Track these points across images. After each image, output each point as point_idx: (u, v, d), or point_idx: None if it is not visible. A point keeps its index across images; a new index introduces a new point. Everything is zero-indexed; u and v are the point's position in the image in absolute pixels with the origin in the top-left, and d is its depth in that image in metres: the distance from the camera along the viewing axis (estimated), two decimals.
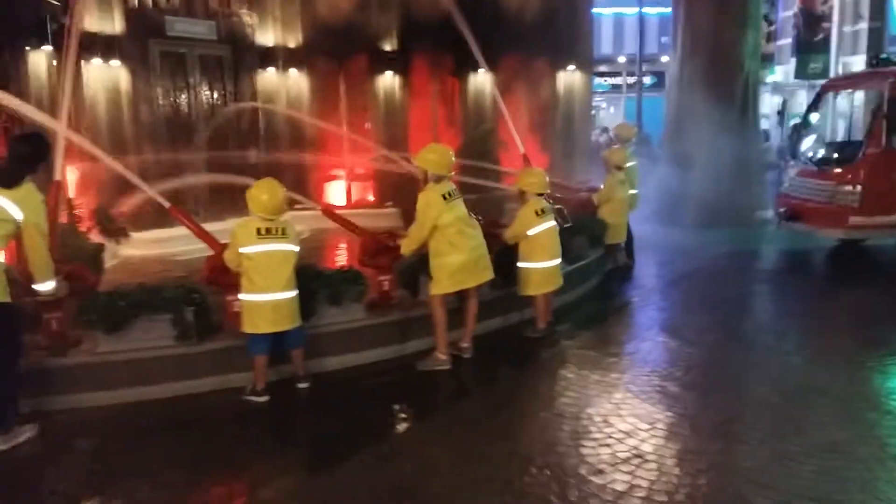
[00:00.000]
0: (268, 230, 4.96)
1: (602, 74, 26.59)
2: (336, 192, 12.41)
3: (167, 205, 6.00)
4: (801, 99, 18.89)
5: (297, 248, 5.12)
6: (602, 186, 8.67)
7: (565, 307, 7.38)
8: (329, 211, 7.32)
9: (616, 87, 26.64)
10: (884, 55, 9.69)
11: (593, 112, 30.26)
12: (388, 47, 12.03)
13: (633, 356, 5.98)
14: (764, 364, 5.76)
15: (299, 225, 11.79)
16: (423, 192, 5.57)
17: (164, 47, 10.17)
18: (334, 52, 11.89)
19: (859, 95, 10.13)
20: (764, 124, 16.37)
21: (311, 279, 5.58)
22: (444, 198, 5.50)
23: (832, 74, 17.00)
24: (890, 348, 6.04)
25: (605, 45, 25.14)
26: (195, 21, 10.58)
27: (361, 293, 5.81)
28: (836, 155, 9.92)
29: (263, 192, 4.98)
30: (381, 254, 6.17)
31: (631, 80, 25.74)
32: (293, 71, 11.82)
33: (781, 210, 10.13)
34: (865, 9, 16.10)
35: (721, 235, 11.62)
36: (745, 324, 7.03)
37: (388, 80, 12.16)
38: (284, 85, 11.94)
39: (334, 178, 12.32)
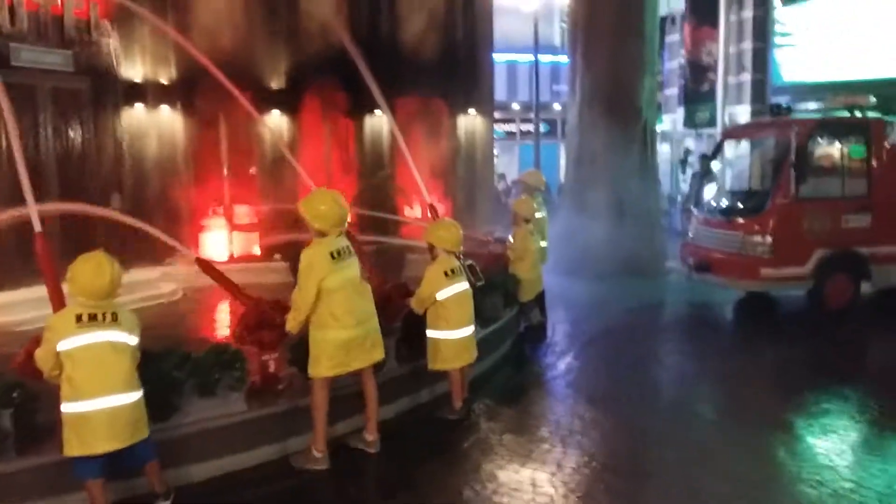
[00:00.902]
0: (92, 316, 3.78)
1: (497, 121, 26.52)
2: (215, 244, 11.11)
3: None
4: (690, 147, 19.35)
5: (133, 340, 3.96)
6: (511, 240, 7.96)
7: (481, 377, 6.55)
8: (206, 264, 6.10)
9: (510, 135, 26.61)
10: (784, 104, 9.69)
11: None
12: (274, 84, 11.01)
13: (563, 440, 5.16)
14: (698, 442, 5.11)
15: (171, 283, 10.69)
16: (306, 249, 4.61)
17: (8, 78, 8.67)
18: (213, 88, 10.70)
19: (763, 144, 10.04)
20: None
21: (175, 366, 4.43)
22: (332, 257, 4.55)
23: (719, 123, 17.48)
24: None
25: (498, 92, 25.10)
26: (48, 50, 9.17)
27: (241, 380, 4.69)
28: (742, 204, 9.75)
29: (87, 270, 3.84)
30: (264, 328, 4.93)
31: (525, 127, 25.80)
32: (164, 108, 10.54)
33: (690, 260, 9.82)
34: (748, 61, 16.70)
35: (628, 287, 11.21)
36: (668, 389, 6.45)
37: (276, 120, 11.10)
38: (155, 124, 10.61)
39: (211, 228, 11.02)
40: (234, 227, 11.19)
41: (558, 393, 6.30)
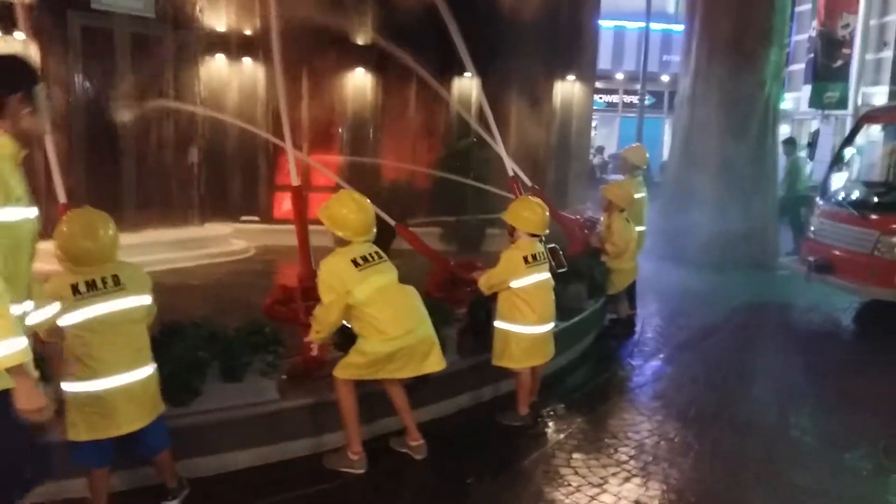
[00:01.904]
0: (91, 284, 3.23)
1: (598, 91, 25.10)
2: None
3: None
4: (813, 129, 17.51)
5: (146, 300, 3.41)
6: (603, 229, 7.03)
7: (555, 375, 5.77)
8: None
9: (612, 106, 25.14)
10: None
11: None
12: (360, 41, 10.36)
13: (646, 468, 4.31)
14: (811, 484, 4.15)
15: (242, 239, 10.37)
16: (324, 260, 4.00)
17: (86, 21, 8.43)
18: (299, 42, 10.19)
19: None
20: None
21: (199, 344, 3.88)
22: (356, 264, 3.91)
23: (850, 105, 15.62)
24: None
25: (602, 60, 23.66)
26: None
27: (274, 364, 4.10)
28: (878, 198, 8.38)
29: (76, 233, 3.28)
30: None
31: (628, 98, 24.32)
32: (247, 60, 10.12)
33: (810, 259, 8.55)
34: (891, 35, 14.71)
35: (736, 280, 10.07)
36: (776, 412, 5.37)
37: (360, 79, 10.49)
38: (238, 76, 10.22)
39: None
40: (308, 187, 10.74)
41: (643, 404, 5.42)
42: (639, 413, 5.22)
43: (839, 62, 15.85)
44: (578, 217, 8.20)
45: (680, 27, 12.73)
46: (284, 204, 10.73)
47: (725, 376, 6.08)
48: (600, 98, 25.43)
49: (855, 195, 8.72)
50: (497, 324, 4.84)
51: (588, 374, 6.12)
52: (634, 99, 22.64)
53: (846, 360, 6.92)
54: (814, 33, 17.18)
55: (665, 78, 23.04)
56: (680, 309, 8.47)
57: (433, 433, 4.36)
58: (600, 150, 19.40)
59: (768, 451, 4.62)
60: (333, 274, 3.89)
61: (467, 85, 10.78)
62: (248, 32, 10.09)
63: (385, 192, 10.20)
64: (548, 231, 4.94)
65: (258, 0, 10.04)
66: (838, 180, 9.18)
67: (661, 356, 6.75)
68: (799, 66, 18.63)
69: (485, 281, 4.84)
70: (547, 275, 4.86)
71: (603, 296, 7.07)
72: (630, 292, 7.80)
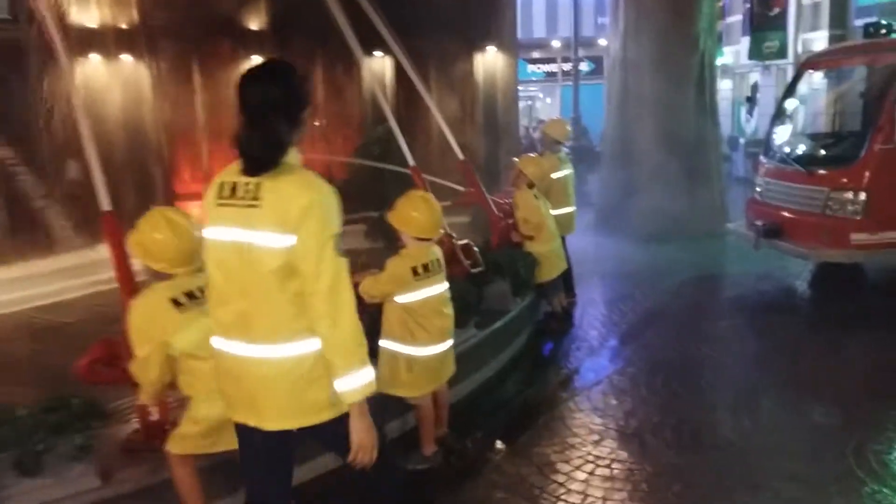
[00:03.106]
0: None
1: (535, 61, 24.34)
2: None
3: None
4: (758, 82, 16.98)
5: None
6: (517, 205, 6.27)
7: (475, 395, 4.99)
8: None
9: (551, 76, 24.37)
10: (884, 21, 7.53)
11: (529, 103, 28.05)
12: (254, 25, 9.36)
13: None
14: None
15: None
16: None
17: None
18: (184, 32, 9.18)
19: (855, 74, 7.94)
20: None
21: None
22: (178, 303, 2.98)
23: (790, 54, 15.05)
24: None
25: (537, 28, 22.89)
26: None
27: (86, 444, 3.18)
28: (826, 151, 7.74)
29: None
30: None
31: (567, 66, 23.50)
32: (126, 58, 9.04)
33: (758, 223, 7.88)
34: None
35: (682, 252, 9.39)
36: (735, 422, 4.66)
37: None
38: (118, 77, 9.14)
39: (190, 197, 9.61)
40: None
41: (578, 422, 4.64)
42: (572, 433, 4.44)
43: (776, 10, 15.25)
44: (506, 201, 7.39)
45: None
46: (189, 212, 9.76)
47: (670, 375, 5.33)
48: (539, 68, 24.68)
49: (800, 150, 8.06)
50: (382, 343, 3.99)
51: (516, 388, 5.33)
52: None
53: (804, 340, 6.24)
54: None
55: (603, 42, 22.26)
56: (623, 291, 7.74)
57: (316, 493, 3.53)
58: (541, 122, 18.56)
59: (718, 473, 3.89)
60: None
61: (379, 65, 9.88)
62: (124, 27, 9.00)
63: None
64: (442, 231, 4.09)
65: None
66: (782, 135, 8.50)
67: (604, 352, 6.02)
68: (736, 18, 18.03)
69: (367, 288, 3.96)
70: (441, 287, 4.02)
71: (531, 291, 6.29)
72: (566, 279, 7.08)
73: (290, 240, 2.21)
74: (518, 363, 5.75)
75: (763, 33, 15.35)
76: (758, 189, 8.36)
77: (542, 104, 27.85)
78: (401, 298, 3.88)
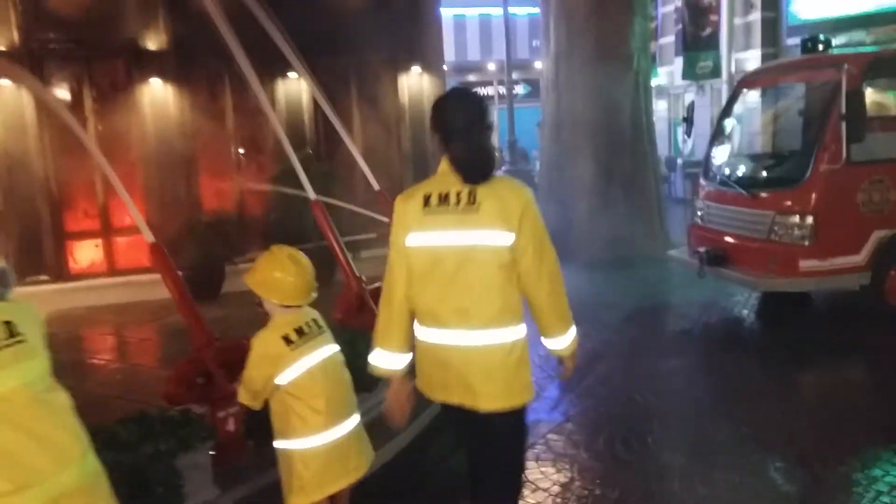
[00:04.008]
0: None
1: (472, 84, 23.95)
2: (92, 254, 8.73)
3: None
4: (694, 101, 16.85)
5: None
6: None
7: (392, 467, 4.20)
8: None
9: (488, 99, 24.05)
10: (822, 37, 7.17)
11: None
12: (152, 45, 8.48)
13: None
14: None
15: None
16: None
17: None
18: (73, 54, 8.27)
19: (794, 91, 7.57)
20: None
21: None
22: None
23: (724, 73, 14.93)
24: None
25: (471, 51, 22.53)
26: None
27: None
28: (769, 172, 7.31)
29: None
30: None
31: (503, 89, 23.17)
32: (5, 83, 8.05)
33: (700, 249, 7.38)
34: None
35: (622, 281, 8.86)
36: (701, 481, 4.04)
37: (158, 91, 8.59)
38: None
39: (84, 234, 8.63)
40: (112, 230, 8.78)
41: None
42: None
43: (708, 30, 15.17)
44: None
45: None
46: (81, 254, 8.75)
47: (613, 432, 4.67)
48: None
49: (741, 171, 7.63)
50: (276, 444, 3.19)
51: (437, 457, 4.57)
52: (513, 88, 21.56)
53: (756, 380, 5.66)
54: (680, 3, 16.48)
55: (539, 64, 22.08)
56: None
57: None
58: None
59: None
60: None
61: (295, 87, 9.11)
62: (1, 48, 8.01)
63: (204, 227, 8.42)
64: (312, 298, 3.29)
65: (13, 8, 8.02)
66: (721, 155, 8.08)
67: (536, 407, 5.30)
68: (669, 39, 17.97)
69: (243, 392, 3.19)
70: (329, 350, 3.25)
71: None
72: None
73: (511, 237, 2.52)
74: (439, 425, 5.00)
75: (696, 53, 15.23)
76: (699, 213, 7.89)
77: None
78: (281, 379, 3.09)
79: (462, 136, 2.59)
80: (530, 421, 5.09)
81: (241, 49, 4.92)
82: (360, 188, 9.19)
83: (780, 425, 4.71)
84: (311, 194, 5.01)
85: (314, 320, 3.26)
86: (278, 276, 3.13)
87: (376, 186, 5.87)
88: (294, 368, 3.09)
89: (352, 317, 4.54)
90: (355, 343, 4.15)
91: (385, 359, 2.76)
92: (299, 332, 3.15)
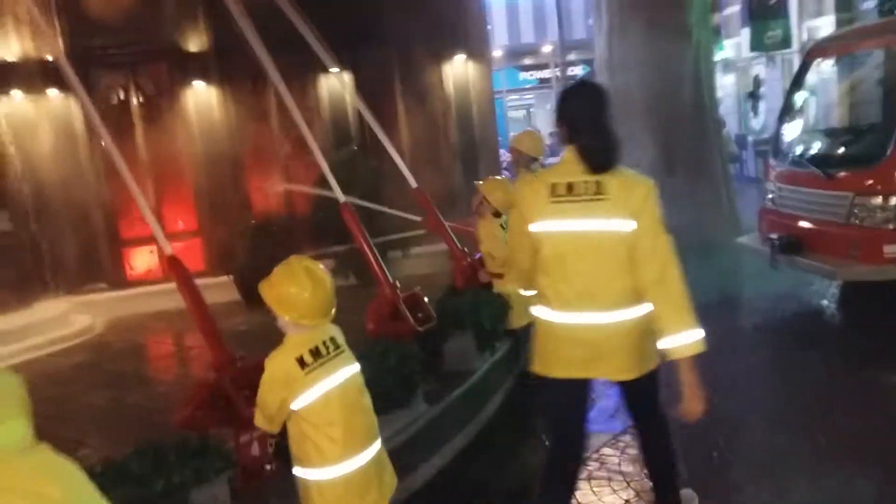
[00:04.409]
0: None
1: (527, 68, 23.39)
2: (147, 260, 8.79)
3: None
4: (761, 75, 15.85)
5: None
6: (480, 238, 5.30)
7: (437, 483, 3.94)
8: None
9: (545, 82, 23.37)
10: None
11: (524, 112, 27.05)
12: (193, 47, 8.43)
13: None
14: None
15: (87, 314, 8.32)
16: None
17: None
18: (116, 59, 8.29)
19: (872, 59, 6.87)
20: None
21: None
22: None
23: (795, 42, 13.95)
24: None
25: (525, 34, 21.93)
26: None
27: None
28: (846, 149, 6.66)
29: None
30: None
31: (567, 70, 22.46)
32: (53, 92, 8.14)
33: (772, 236, 6.80)
34: None
35: (688, 271, 8.24)
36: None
37: (203, 94, 8.54)
38: (36, 111, 8.22)
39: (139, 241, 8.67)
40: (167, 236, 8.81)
41: None
42: None
43: None
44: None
45: None
46: (138, 261, 8.83)
47: (681, 442, 4.27)
48: (531, 75, 23.71)
49: (815, 149, 6.99)
50: (294, 471, 2.96)
51: (490, 468, 4.27)
52: (571, 70, 20.91)
53: (839, 384, 5.07)
54: None
55: None
56: None
57: None
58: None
59: None
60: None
61: (336, 84, 8.92)
62: (48, 58, 8.10)
63: (253, 230, 8.34)
64: (333, 312, 3.02)
65: (56, 15, 8.09)
66: (792, 132, 7.44)
67: (597, 412, 4.93)
68: (734, 9, 16.97)
69: (259, 415, 2.96)
70: (348, 372, 2.97)
71: (506, 340, 5.24)
72: None
73: (632, 224, 2.65)
74: (494, 433, 4.70)
75: (764, 22, 14.25)
76: (769, 196, 7.28)
77: (539, 111, 26.85)
78: (296, 404, 2.85)
79: (589, 127, 2.76)
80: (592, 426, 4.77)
81: (264, 48, 4.70)
82: (407, 185, 8.96)
83: (866, 438, 4.20)
84: (340, 196, 4.74)
85: (332, 339, 2.99)
86: (293, 291, 2.86)
87: (414, 184, 5.58)
88: (309, 393, 2.83)
89: (384, 326, 4.27)
90: (387, 357, 3.90)
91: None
92: (315, 352, 2.89)
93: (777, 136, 7.45)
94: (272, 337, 2.88)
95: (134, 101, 8.45)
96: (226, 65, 8.50)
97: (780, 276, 6.97)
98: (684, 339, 2.68)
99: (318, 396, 2.84)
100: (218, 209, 8.65)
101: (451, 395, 4.38)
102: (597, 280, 2.75)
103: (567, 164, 2.80)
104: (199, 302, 3.52)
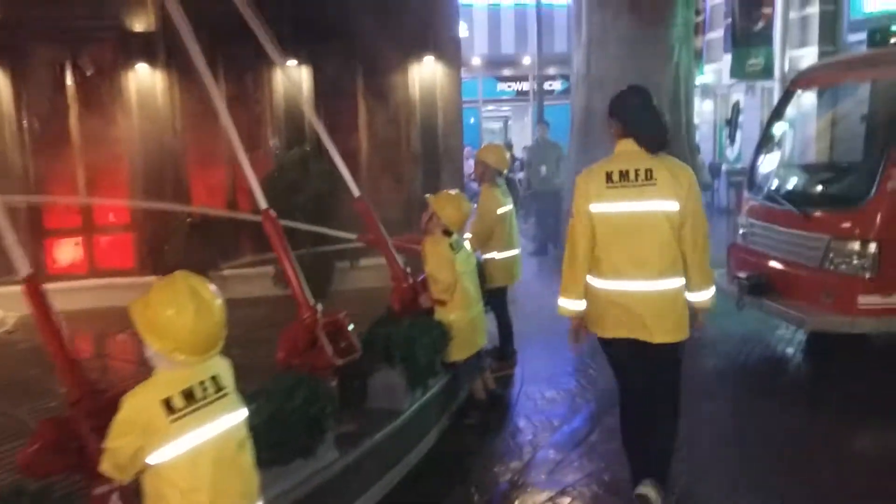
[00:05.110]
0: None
1: (506, 79, 22.97)
2: (71, 253, 8.12)
3: None
4: (741, 103, 15.61)
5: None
6: (425, 258, 4.82)
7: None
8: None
9: (523, 94, 22.95)
10: (892, 27, 6.08)
11: (501, 125, 26.64)
12: (139, 26, 7.79)
13: None
14: None
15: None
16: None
17: None
18: (56, 35, 7.62)
19: (858, 93, 6.49)
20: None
21: None
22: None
23: (777, 72, 13.70)
24: None
25: (506, 44, 21.51)
26: None
27: None
28: (825, 188, 6.27)
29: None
30: None
31: (546, 84, 22.05)
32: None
33: (741, 275, 6.37)
34: None
35: None
36: None
37: (146, 77, 7.89)
38: None
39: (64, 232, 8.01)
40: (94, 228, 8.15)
41: None
42: None
43: (760, 24, 13.91)
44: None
45: None
46: (61, 253, 8.14)
47: None
48: (509, 86, 23.31)
49: (792, 185, 6.59)
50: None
51: None
52: (550, 84, 20.53)
53: (804, 440, 4.69)
54: None
55: None
56: (576, 360, 6.19)
57: None
58: (508, 146, 17.07)
59: None
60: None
61: (295, 76, 8.33)
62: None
63: (189, 228, 7.72)
64: (220, 346, 2.46)
65: None
66: (769, 165, 7.03)
67: (537, 465, 4.41)
68: (717, 34, 16.75)
69: (106, 461, 2.37)
70: (228, 422, 2.41)
71: (443, 375, 4.72)
72: (504, 343, 5.66)
73: (677, 205, 3.26)
74: (418, 481, 4.16)
75: (746, 49, 14.00)
76: (741, 231, 6.86)
77: (515, 124, 26.45)
78: (155, 459, 2.28)
79: (643, 116, 3.38)
80: (533, 479, 4.28)
81: (190, 31, 4.10)
82: (368, 186, 8.40)
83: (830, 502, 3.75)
84: (262, 203, 4.17)
85: (213, 378, 2.43)
86: (170, 315, 2.31)
87: (356, 192, 5.04)
88: (172, 447, 2.28)
89: (298, 356, 3.71)
90: (294, 393, 3.34)
91: (570, 304, 3.45)
92: (188, 395, 2.34)
93: (753, 168, 7.04)
94: None
95: (70, 79, 7.78)
96: (174, 48, 7.86)
97: (746, 317, 6.55)
98: (705, 294, 3.40)
99: (184, 452, 2.30)
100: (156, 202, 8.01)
101: (371, 439, 3.83)
102: (646, 252, 3.29)
103: (619, 156, 3.38)
104: (55, 330, 2.91)
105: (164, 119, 7.97)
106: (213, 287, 2.41)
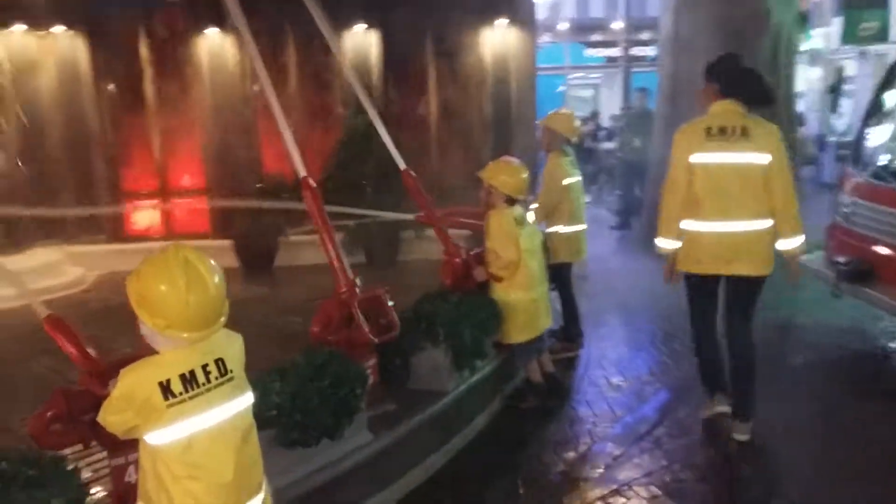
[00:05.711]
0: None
1: (595, 45, 22.03)
2: (148, 218, 8.28)
3: None
4: (847, 71, 14.32)
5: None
6: (487, 232, 4.51)
7: None
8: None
9: (613, 61, 21.95)
10: None
11: (591, 93, 25.69)
12: None
13: None
14: None
15: (81, 265, 7.74)
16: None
17: None
18: (128, 3, 7.66)
19: None
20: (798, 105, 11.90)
21: None
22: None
23: (894, 35, 12.42)
24: None
25: (594, 8, 20.59)
26: None
27: None
28: None
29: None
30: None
31: (635, 50, 20.98)
32: (59, 30, 7.58)
33: (840, 260, 5.72)
34: None
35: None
36: None
37: (217, 43, 7.85)
38: (51, 52, 7.70)
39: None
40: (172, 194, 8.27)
41: None
42: None
43: None
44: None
45: None
46: (140, 216, 8.31)
47: None
48: (599, 52, 22.37)
49: None
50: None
51: None
52: (642, 50, 19.57)
53: None
54: None
55: None
56: (651, 344, 5.75)
57: None
58: (594, 115, 16.36)
59: None
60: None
61: (362, 40, 8.10)
62: None
63: (259, 195, 7.68)
64: (222, 321, 2.26)
65: None
66: (878, 139, 6.27)
67: (595, 458, 4.07)
68: None
69: (103, 415, 2.24)
70: (229, 409, 2.21)
71: (495, 356, 4.43)
72: (569, 323, 5.32)
73: (769, 158, 3.74)
74: (459, 469, 3.91)
75: (859, 12, 12.72)
76: (843, 211, 6.15)
77: (606, 92, 25.44)
78: (151, 438, 2.12)
79: (742, 75, 3.90)
80: (590, 474, 3.95)
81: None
82: (436, 152, 8.15)
83: None
84: (302, 171, 3.97)
85: (219, 360, 2.23)
86: (162, 290, 2.11)
87: (402, 165, 4.77)
88: (168, 431, 2.10)
89: (333, 332, 3.50)
90: (323, 372, 3.13)
91: (667, 244, 3.97)
92: (188, 379, 2.14)
93: (859, 142, 6.31)
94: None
95: (144, 44, 7.84)
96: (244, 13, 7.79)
97: (843, 305, 5.91)
98: (794, 242, 3.84)
99: (182, 438, 2.12)
100: (227, 167, 8.04)
101: (409, 422, 3.60)
102: (740, 197, 3.76)
103: (715, 115, 3.82)
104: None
105: (235, 83, 7.94)
106: (210, 260, 2.19)
